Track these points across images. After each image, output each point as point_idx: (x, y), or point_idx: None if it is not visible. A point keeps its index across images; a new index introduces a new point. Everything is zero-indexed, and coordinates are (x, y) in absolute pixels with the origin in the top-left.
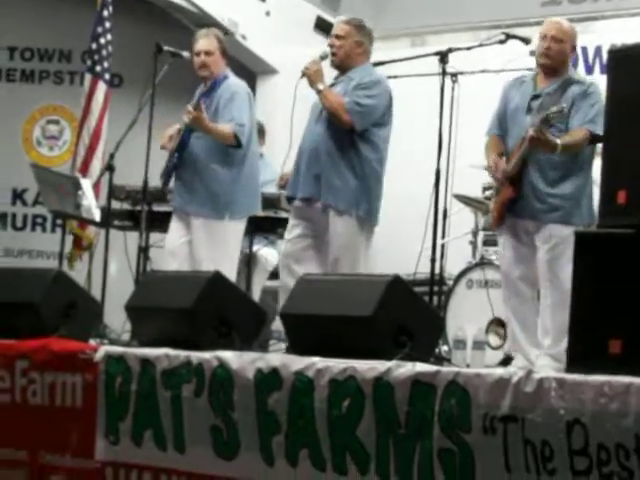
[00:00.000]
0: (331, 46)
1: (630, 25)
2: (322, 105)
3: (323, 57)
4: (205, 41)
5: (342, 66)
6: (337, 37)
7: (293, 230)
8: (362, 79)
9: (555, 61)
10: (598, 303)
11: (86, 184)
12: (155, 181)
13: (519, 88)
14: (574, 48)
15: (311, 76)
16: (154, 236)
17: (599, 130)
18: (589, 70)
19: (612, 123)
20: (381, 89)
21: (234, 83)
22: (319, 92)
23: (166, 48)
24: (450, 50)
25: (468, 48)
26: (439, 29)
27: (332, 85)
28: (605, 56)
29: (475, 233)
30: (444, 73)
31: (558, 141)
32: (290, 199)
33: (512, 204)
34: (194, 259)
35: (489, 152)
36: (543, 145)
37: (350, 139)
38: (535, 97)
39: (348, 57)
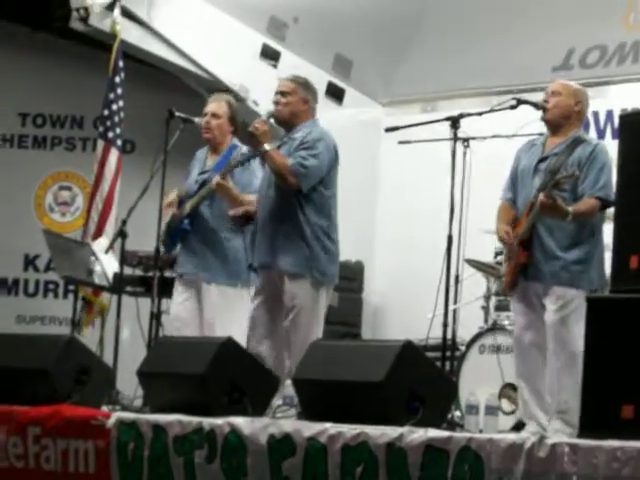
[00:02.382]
0: (276, 103)
1: None
2: (268, 166)
3: (270, 116)
4: (214, 104)
5: (288, 123)
6: (282, 94)
7: (256, 297)
8: (305, 137)
9: (555, 115)
10: (610, 368)
11: (99, 248)
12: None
13: (529, 151)
14: (581, 108)
15: (258, 136)
16: (166, 302)
17: (610, 196)
18: (601, 135)
19: (624, 189)
20: (324, 146)
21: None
22: (265, 153)
23: (178, 114)
24: (461, 115)
25: (479, 114)
26: (450, 94)
27: (279, 146)
28: (616, 121)
29: (487, 298)
30: (456, 138)
31: (570, 209)
32: (251, 267)
33: (524, 268)
34: (205, 325)
35: (499, 219)
36: (554, 211)
37: (297, 202)
38: (543, 159)
39: (293, 114)
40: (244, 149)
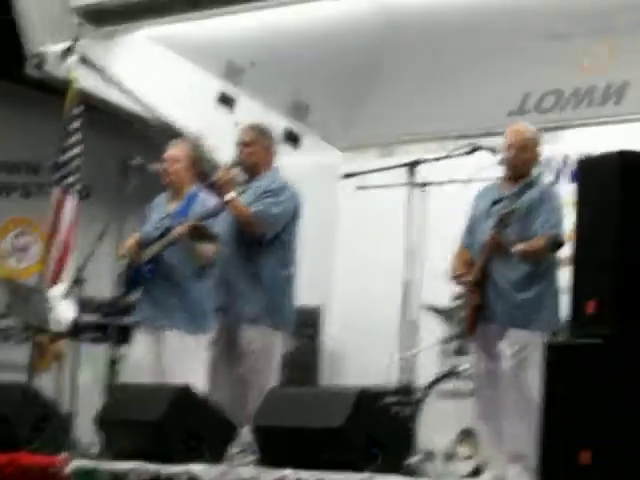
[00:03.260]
0: (239, 153)
1: (596, 134)
2: (232, 214)
3: (234, 165)
4: (174, 149)
5: (251, 172)
6: (244, 144)
7: (214, 343)
8: (269, 185)
9: (520, 169)
10: (568, 413)
11: (56, 295)
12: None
13: (485, 196)
14: (538, 155)
15: (222, 185)
16: (123, 348)
17: (560, 235)
18: (557, 179)
19: (581, 232)
20: (288, 195)
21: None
22: (228, 202)
23: (134, 162)
24: (418, 162)
25: (436, 159)
26: (408, 139)
27: (241, 194)
28: (571, 165)
29: (444, 343)
30: (412, 184)
31: (519, 246)
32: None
33: (480, 310)
34: (164, 372)
35: (454, 263)
36: (498, 250)
37: (258, 248)
38: (496, 202)
39: (256, 163)
40: (205, 196)
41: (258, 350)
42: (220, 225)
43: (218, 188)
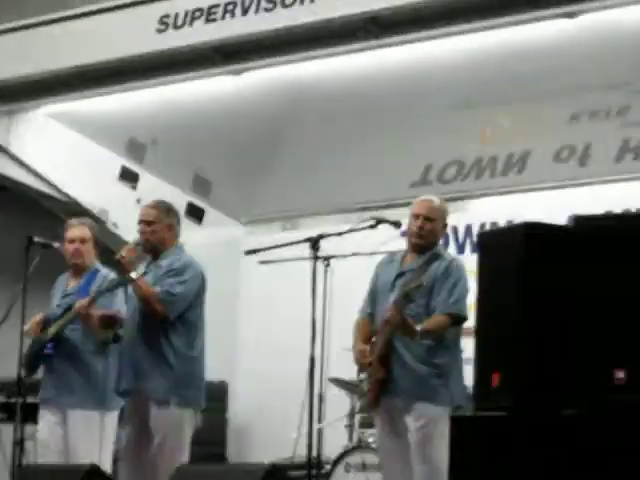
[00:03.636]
0: (142, 232)
1: (498, 204)
2: (135, 295)
3: (137, 244)
4: (79, 229)
5: (154, 250)
6: (147, 223)
7: (123, 422)
8: (172, 264)
9: (427, 240)
10: None
11: None
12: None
13: (388, 265)
14: (445, 226)
15: (125, 265)
16: (30, 428)
17: (462, 311)
18: (460, 249)
19: (483, 305)
20: (192, 273)
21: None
22: (131, 281)
23: (37, 239)
24: (321, 237)
25: (339, 234)
26: (310, 212)
27: (145, 273)
28: (475, 235)
29: (351, 416)
30: (316, 258)
31: (418, 327)
32: (118, 393)
33: (384, 384)
34: (70, 451)
35: (356, 335)
36: (403, 328)
37: (163, 327)
38: (400, 275)
39: (159, 242)
40: (106, 272)
41: (166, 431)
42: (123, 304)
43: (121, 266)
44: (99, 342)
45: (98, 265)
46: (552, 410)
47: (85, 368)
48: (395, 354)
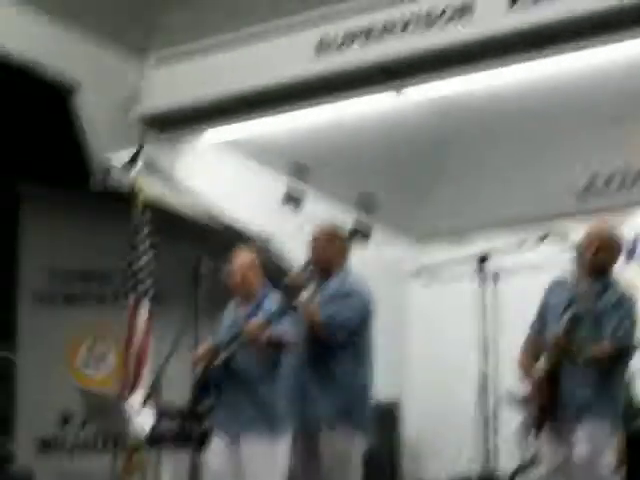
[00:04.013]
0: (312, 255)
1: None
2: (304, 318)
3: (306, 267)
4: (242, 256)
5: (323, 273)
6: (317, 246)
7: (292, 447)
8: (340, 288)
9: (599, 269)
10: None
11: (134, 404)
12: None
13: (560, 287)
14: (618, 255)
15: (294, 289)
16: (203, 454)
17: (631, 343)
18: (630, 256)
19: None
20: (359, 298)
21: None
22: (300, 305)
23: (204, 267)
24: (487, 256)
25: (506, 252)
26: (476, 227)
27: (312, 296)
28: None
29: (523, 431)
30: (483, 275)
31: (583, 355)
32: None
33: (551, 404)
34: (245, 476)
35: (524, 353)
36: (566, 353)
37: (331, 351)
38: (571, 299)
39: (329, 264)
40: (275, 297)
41: (337, 454)
42: (292, 327)
43: (290, 291)
44: (268, 366)
45: (267, 290)
46: None
47: (255, 394)
48: (564, 373)
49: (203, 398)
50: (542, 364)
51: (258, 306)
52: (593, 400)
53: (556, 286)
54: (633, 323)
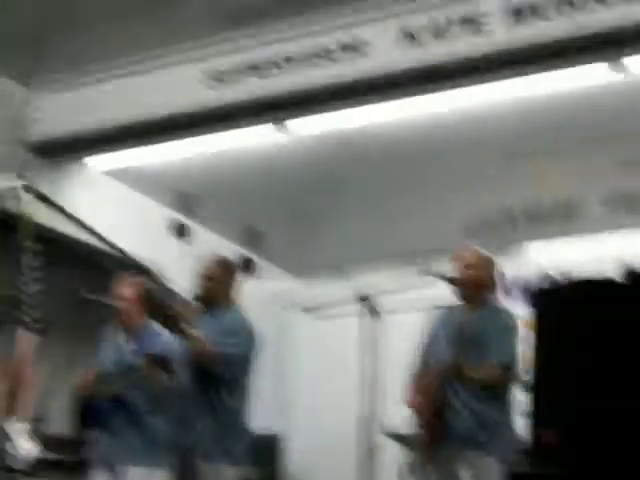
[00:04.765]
0: (202, 287)
1: (548, 251)
2: (190, 350)
3: (195, 299)
4: (126, 288)
5: (211, 305)
6: (207, 278)
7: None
8: (228, 323)
9: (470, 289)
10: None
11: (14, 430)
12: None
13: (443, 319)
14: (493, 277)
15: (180, 321)
16: None
17: (515, 363)
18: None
19: (540, 362)
20: (247, 334)
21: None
22: (188, 338)
23: (88, 295)
24: (369, 296)
25: (390, 292)
26: (360, 261)
27: (199, 326)
28: (522, 283)
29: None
30: (366, 313)
31: (474, 376)
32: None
33: (439, 437)
34: None
35: (412, 387)
36: (458, 376)
37: (213, 384)
38: (456, 328)
39: (219, 297)
40: (159, 330)
41: None
42: (175, 359)
43: (173, 322)
44: (156, 397)
45: (150, 323)
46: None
47: (142, 425)
48: (448, 404)
49: (85, 427)
50: (429, 393)
51: (144, 339)
52: (476, 432)
53: (440, 317)
54: (516, 343)
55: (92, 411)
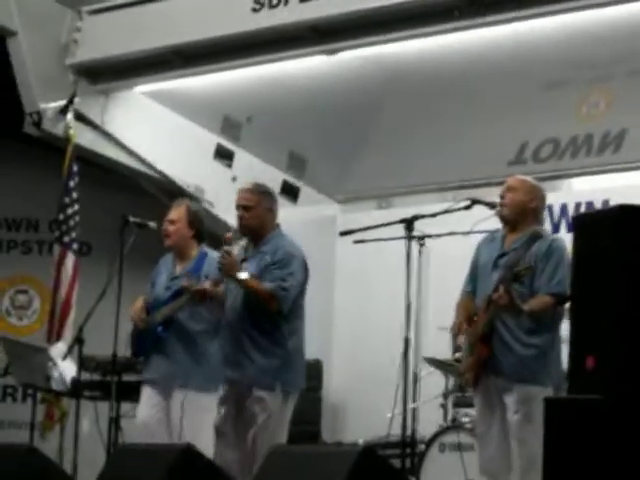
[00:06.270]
0: (241, 218)
1: (594, 183)
2: (245, 292)
3: (236, 237)
4: (172, 211)
5: (254, 235)
6: (246, 208)
7: (222, 404)
8: (276, 254)
9: (510, 212)
10: (569, 470)
11: (57, 353)
12: (122, 351)
13: (489, 245)
14: (537, 204)
15: (228, 269)
16: (125, 406)
17: (565, 291)
18: (555, 228)
19: (579, 288)
20: (298, 263)
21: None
22: (240, 281)
23: (132, 219)
24: (415, 218)
25: (433, 215)
26: (405, 191)
27: (245, 259)
28: (571, 214)
29: (446, 396)
30: (410, 238)
31: (525, 307)
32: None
33: (485, 364)
34: (173, 430)
35: (458, 312)
36: (509, 308)
37: (269, 317)
38: (502, 254)
39: (260, 226)
40: (215, 255)
41: (269, 415)
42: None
43: (225, 270)
44: (211, 322)
45: (205, 248)
46: None
47: (196, 349)
48: (496, 334)
49: (142, 353)
50: (477, 321)
51: (199, 264)
52: (524, 363)
53: (486, 244)
54: (565, 270)
55: (147, 336)
